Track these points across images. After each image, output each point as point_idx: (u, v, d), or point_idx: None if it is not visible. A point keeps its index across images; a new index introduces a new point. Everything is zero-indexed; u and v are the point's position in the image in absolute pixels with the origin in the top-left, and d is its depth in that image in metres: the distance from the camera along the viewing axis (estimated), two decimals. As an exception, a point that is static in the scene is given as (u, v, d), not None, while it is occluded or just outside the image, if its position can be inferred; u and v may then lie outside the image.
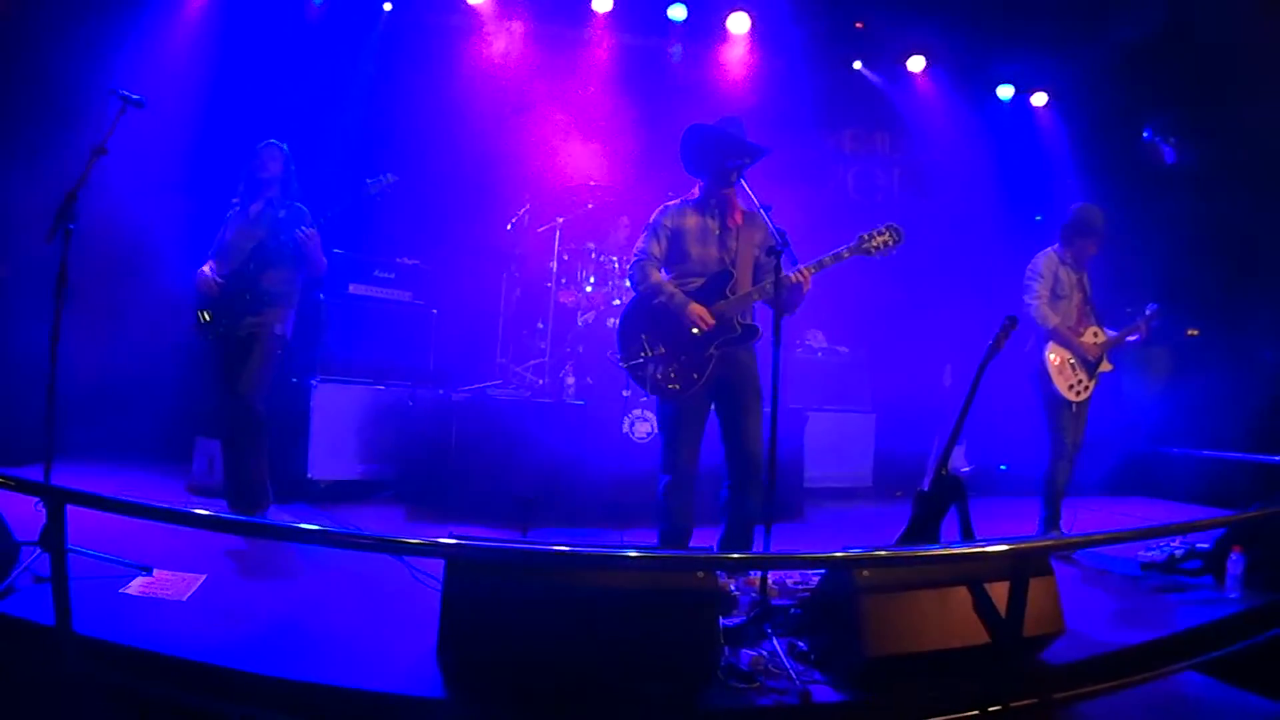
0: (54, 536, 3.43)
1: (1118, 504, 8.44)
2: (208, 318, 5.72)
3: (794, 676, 3.49)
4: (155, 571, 4.46)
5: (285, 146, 5.94)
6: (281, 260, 5.72)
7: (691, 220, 4.97)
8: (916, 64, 10.07)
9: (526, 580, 3.27)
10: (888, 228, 4.67)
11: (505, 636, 3.22)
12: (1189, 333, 9.59)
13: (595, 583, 3.31)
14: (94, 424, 7.03)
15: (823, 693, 3.45)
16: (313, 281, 6.15)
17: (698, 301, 4.79)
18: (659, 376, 4.80)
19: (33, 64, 7.39)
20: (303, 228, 5.63)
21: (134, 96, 4.90)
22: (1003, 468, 8.73)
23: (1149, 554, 5.76)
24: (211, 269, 5.73)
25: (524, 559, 3.35)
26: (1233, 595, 5.03)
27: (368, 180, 5.70)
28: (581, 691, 3.25)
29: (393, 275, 7.69)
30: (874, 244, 4.65)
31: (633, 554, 3.44)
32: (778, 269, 4.36)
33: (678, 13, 9.38)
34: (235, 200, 5.95)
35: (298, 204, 5.88)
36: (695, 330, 4.74)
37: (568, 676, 3.24)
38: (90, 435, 6.97)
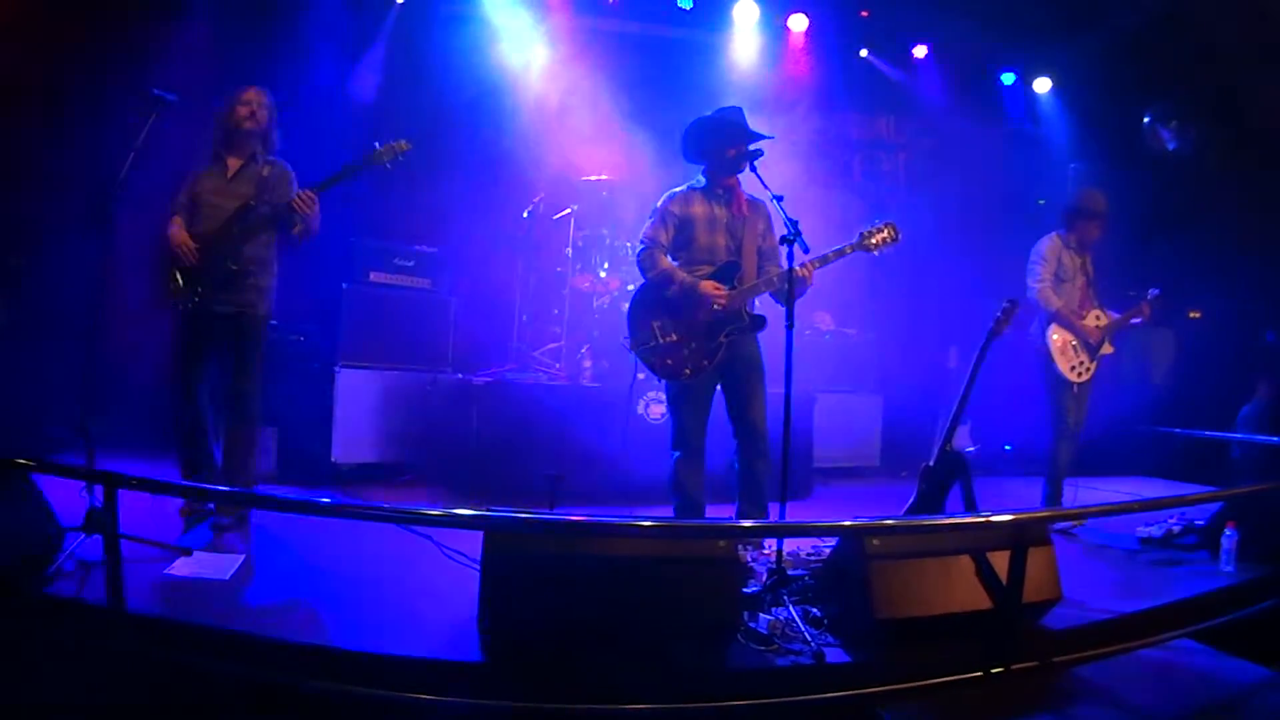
0: (108, 519, 3.63)
1: (1118, 483, 8.58)
2: (181, 283, 5.14)
3: (809, 639, 3.70)
4: (195, 553, 4.56)
5: (269, 93, 5.38)
6: (268, 224, 5.22)
7: (699, 208, 5.10)
8: (921, 51, 10.20)
9: (561, 550, 3.48)
10: (886, 225, 4.90)
11: (541, 603, 3.43)
12: (1190, 315, 9.77)
13: (625, 551, 3.53)
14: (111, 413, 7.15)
15: (835, 654, 3.66)
16: (294, 248, 5.46)
17: None
18: (670, 363, 4.96)
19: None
20: (301, 192, 5.09)
21: (168, 96, 5.05)
22: (1007, 448, 8.90)
23: (1147, 530, 5.96)
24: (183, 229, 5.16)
25: (563, 529, 3.56)
26: (1227, 569, 5.19)
27: (376, 145, 5.20)
28: (613, 653, 3.44)
29: (412, 263, 7.83)
30: (874, 240, 4.88)
31: (666, 524, 3.65)
32: (791, 257, 4.55)
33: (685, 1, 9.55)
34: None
35: (282, 161, 5.39)
36: (716, 305, 4.88)
37: (599, 640, 3.44)
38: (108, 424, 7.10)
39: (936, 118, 10.45)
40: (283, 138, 5.47)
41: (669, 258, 5.10)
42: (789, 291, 4.55)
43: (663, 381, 5.17)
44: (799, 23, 9.72)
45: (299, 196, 5.06)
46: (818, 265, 4.78)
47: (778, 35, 9.77)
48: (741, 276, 4.98)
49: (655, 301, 5.05)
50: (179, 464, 5.38)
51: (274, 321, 5.93)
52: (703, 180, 5.18)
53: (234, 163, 5.30)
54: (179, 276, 5.15)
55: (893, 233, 4.88)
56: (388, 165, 5.23)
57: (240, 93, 5.29)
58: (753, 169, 4.86)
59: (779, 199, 4.74)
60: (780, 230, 4.66)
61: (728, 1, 9.59)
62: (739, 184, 5.11)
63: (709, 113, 5.15)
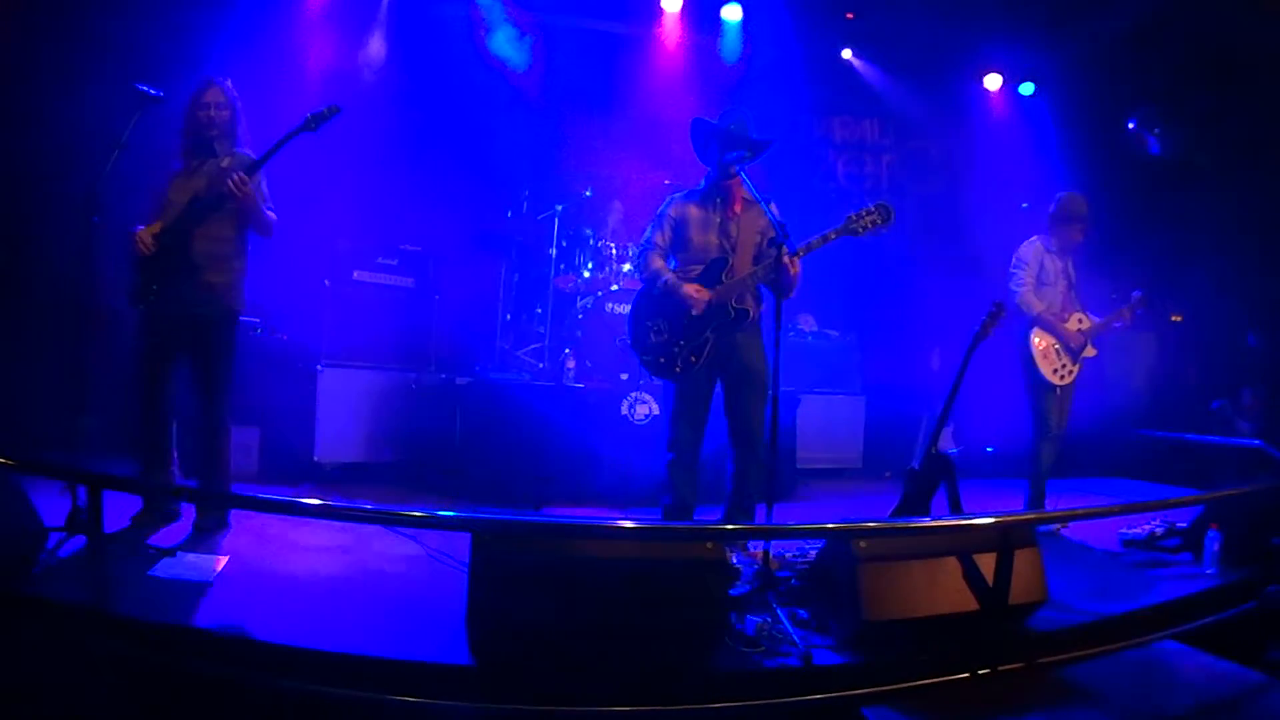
0: (92, 521, 3.60)
1: (1101, 485, 8.65)
2: (141, 281, 5.02)
3: (796, 641, 3.70)
4: (179, 554, 4.53)
5: (230, 82, 5.21)
6: (219, 215, 5.03)
7: (694, 210, 5.20)
8: (905, 53, 10.19)
9: (548, 552, 3.48)
10: (877, 206, 4.76)
11: (528, 605, 3.41)
12: (1173, 318, 9.83)
13: (612, 554, 3.52)
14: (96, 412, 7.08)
15: (823, 656, 3.66)
16: (261, 242, 5.32)
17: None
18: (662, 360, 5.06)
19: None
20: (234, 175, 4.86)
21: (153, 92, 5.01)
22: (989, 450, 8.93)
23: (1130, 532, 5.99)
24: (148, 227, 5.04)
25: (552, 531, 3.56)
26: (1209, 570, 5.22)
27: (309, 115, 4.98)
28: (600, 656, 3.43)
29: (395, 262, 7.80)
30: (861, 224, 4.75)
31: (654, 526, 3.65)
32: (778, 259, 4.57)
33: (671, 3, 9.54)
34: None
35: (245, 151, 5.17)
36: (694, 312, 4.96)
37: (586, 642, 3.43)
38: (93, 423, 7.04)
39: (920, 120, 10.48)
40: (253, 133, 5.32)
41: (667, 258, 5.23)
42: (776, 282, 4.59)
43: (655, 381, 5.21)
44: (783, 24, 9.68)
45: (230, 180, 4.86)
46: (802, 254, 4.79)
47: (761, 36, 9.74)
48: (729, 271, 5.04)
49: (649, 301, 5.18)
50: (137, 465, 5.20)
51: (256, 320, 5.87)
52: (702, 182, 5.28)
53: (196, 161, 5.19)
54: (141, 274, 5.04)
55: (883, 214, 4.73)
56: (316, 130, 5.02)
57: (201, 93, 5.15)
58: (739, 173, 4.91)
59: (767, 201, 4.76)
60: None
61: (715, 2, 9.57)
62: (738, 185, 5.12)
63: (713, 119, 5.21)
